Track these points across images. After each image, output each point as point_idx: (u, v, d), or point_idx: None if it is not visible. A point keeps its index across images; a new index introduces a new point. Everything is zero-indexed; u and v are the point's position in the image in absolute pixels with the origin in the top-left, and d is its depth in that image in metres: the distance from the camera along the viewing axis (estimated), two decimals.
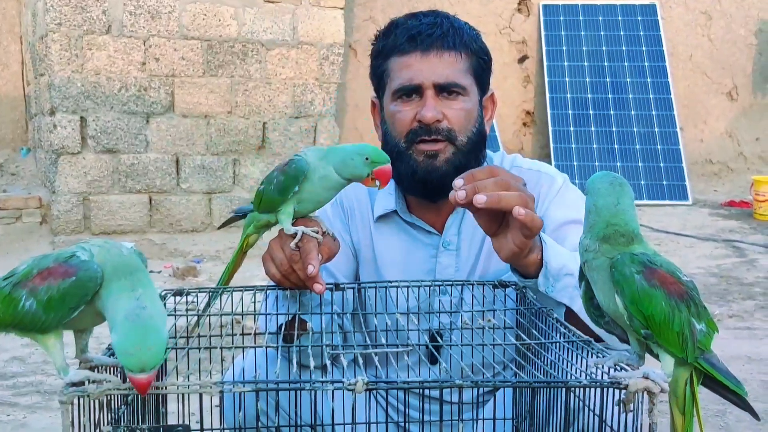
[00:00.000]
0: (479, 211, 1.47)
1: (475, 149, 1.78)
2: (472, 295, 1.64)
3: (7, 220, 6.56)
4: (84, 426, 1.11)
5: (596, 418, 1.21)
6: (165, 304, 1.54)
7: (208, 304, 1.58)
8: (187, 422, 1.30)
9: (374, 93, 1.89)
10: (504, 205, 1.41)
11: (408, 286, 1.64)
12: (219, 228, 1.67)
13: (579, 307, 1.52)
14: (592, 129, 8.65)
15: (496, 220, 1.50)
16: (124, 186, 6.62)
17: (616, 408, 1.14)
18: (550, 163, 2.62)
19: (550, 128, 8.67)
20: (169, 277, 5.61)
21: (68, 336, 1.21)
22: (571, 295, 1.54)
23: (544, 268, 1.52)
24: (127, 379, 1.25)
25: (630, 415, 1.12)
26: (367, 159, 1.50)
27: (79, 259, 1.13)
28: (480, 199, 1.41)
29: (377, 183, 1.52)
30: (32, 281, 1.13)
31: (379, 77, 1.83)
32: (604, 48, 9.02)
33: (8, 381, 3.61)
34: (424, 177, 1.75)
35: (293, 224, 1.54)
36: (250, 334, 1.54)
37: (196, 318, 1.53)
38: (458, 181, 1.46)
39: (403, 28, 1.79)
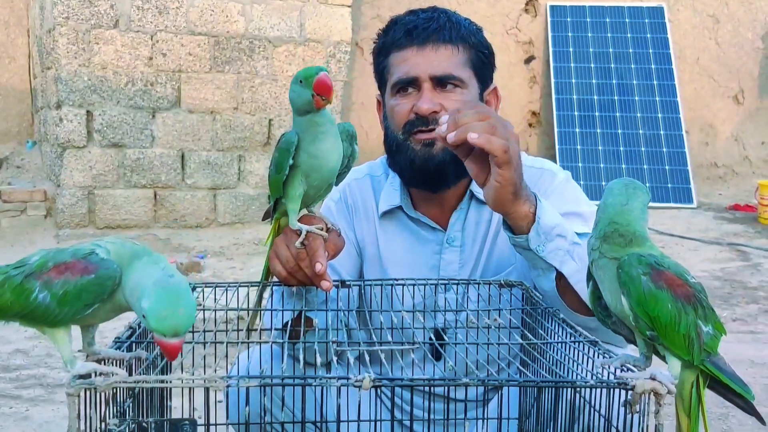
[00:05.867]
0: (466, 156, 1.49)
1: None
2: (477, 293, 1.64)
3: (12, 212, 6.57)
4: (90, 418, 1.11)
5: (602, 419, 1.21)
6: None
7: (260, 298, 1.60)
8: (191, 417, 1.30)
9: (378, 92, 1.90)
10: (468, 134, 1.41)
11: (413, 284, 1.64)
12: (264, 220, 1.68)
13: (569, 271, 1.51)
14: (598, 131, 8.63)
15: (483, 168, 1.48)
16: (129, 180, 6.63)
17: (622, 409, 1.14)
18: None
19: (556, 129, 8.65)
20: None
21: (74, 328, 1.21)
22: (562, 259, 1.53)
23: (536, 224, 1.51)
24: (134, 372, 1.25)
25: (636, 416, 1.12)
26: (301, 81, 1.45)
27: (98, 257, 1.12)
28: (441, 131, 1.44)
29: (321, 98, 1.44)
30: (47, 274, 1.12)
31: (380, 74, 1.86)
32: (610, 50, 9.00)
33: (11, 373, 3.61)
34: (422, 165, 1.75)
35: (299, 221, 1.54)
36: (255, 330, 1.54)
37: (252, 313, 1.56)
38: (443, 117, 1.47)
39: (401, 24, 1.82)
